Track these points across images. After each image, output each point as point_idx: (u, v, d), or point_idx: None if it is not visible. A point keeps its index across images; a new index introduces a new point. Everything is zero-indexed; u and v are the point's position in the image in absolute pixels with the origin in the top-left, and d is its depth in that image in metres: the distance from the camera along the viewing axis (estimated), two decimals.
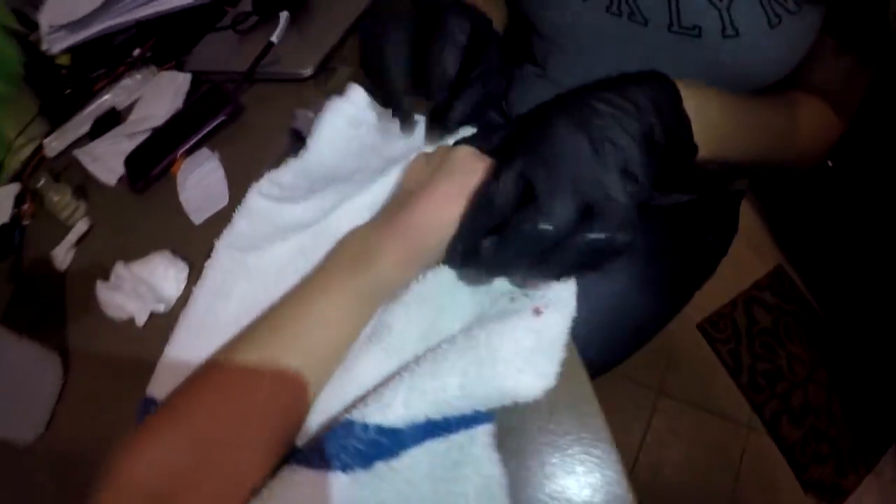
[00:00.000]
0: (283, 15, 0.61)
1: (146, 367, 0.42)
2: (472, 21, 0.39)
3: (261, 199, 0.41)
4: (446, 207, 0.35)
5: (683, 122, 0.35)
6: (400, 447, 0.31)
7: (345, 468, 0.30)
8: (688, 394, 1.31)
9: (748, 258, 1.48)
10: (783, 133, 0.48)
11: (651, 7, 0.47)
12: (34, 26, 0.82)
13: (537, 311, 0.32)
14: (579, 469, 0.32)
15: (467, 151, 0.37)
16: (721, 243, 0.72)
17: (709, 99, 0.40)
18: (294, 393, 0.33)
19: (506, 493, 0.30)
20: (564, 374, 0.31)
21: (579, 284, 0.61)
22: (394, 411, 0.31)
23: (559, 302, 0.33)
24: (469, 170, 0.36)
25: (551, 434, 0.34)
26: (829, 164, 1.19)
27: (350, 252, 0.37)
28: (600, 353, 0.61)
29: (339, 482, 0.30)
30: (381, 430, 0.30)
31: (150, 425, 0.32)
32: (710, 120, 0.38)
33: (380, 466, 0.30)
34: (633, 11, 0.48)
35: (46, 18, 0.79)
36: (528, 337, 0.31)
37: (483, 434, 0.32)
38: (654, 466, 1.22)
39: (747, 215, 1.54)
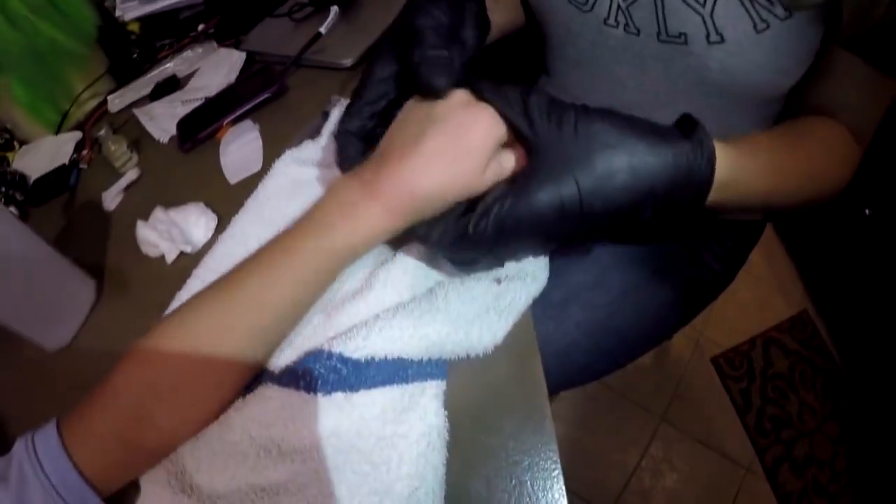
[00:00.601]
0: (334, 9, 0.67)
1: (169, 298, 0.48)
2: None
3: (283, 167, 0.47)
4: (434, 168, 0.35)
5: (701, 191, 0.36)
6: (359, 383, 0.36)
7: (308, 390, 0.35)
8: (691, 426, 1.30)
9: (775, 300, 1.47)
10: (801, 175, 0.46)
11: (642, 17, 0.49)
12: None
13: (497, 280, 0.37)
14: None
15: (461, 98, 0.37)
16: (726, 272, 0.73)
17: (733, 158, 0.38)
18: (249, 341, 0.38)
19: (443, 442, 0.35)
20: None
21: (574, 289, 0.65)
22: (355, 343, 0.36)
23: (522, 273, 0.38)
24: (461, 121, 0.36)
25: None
26: (867, 212, 1.18)
27: (327, 210, 0.38)
28: (585, 357, 0.63)
29: (303, 401, 0.35)
30: (343, 359, 0.36)
31: (140, 347, 0.37)
32: (730, 178, 0.38)
33: (338, 397, 0.35)
34: (627, 23, 0.50)
35: None
36: (484, 298, 0.36)
37: (433, 387, 0.37)
38: (645, 493, 1.22)
39: (779, 258, 1.53)
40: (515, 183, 0.34)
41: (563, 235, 0.35)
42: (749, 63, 0.46)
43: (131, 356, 0.37)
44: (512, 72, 0.74)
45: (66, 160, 0.76)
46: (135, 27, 0.91)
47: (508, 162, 0.37)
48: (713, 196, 0.36)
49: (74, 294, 0.55)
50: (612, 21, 0.51)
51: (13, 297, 0.49)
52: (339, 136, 0.42)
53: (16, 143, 0.85)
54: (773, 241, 1.57)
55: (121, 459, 0.36)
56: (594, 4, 0.51)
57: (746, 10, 0.43)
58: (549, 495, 0.34)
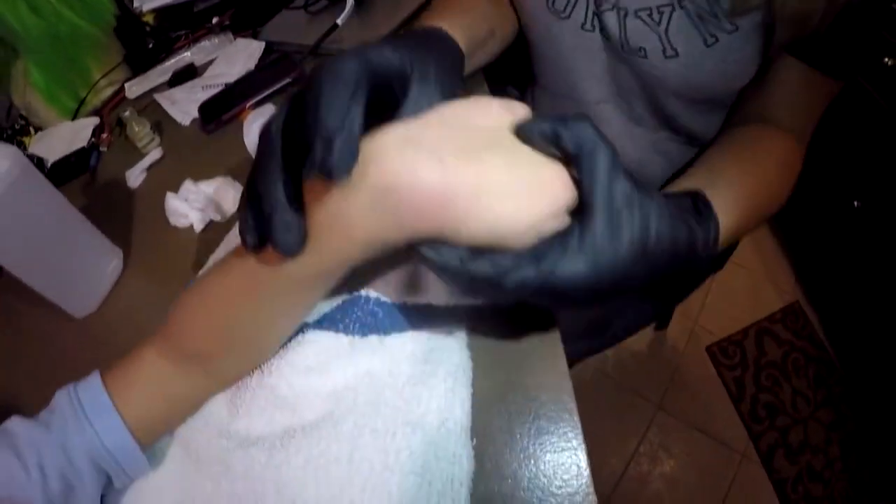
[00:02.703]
0: (350, 2, 0.73)
1: (195, 266, 0.53)
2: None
3: None
4: (496, 191, 0.31)
5: (702, 269, 0.39)
6: (392, 326, 0.41)
7: (346, 331, 0.41)
8: (687, 413, 1.36)
9: (767, 291, 1.53)
10: (771, 202, 0.50)
11: (610, 27, 0.55)
12: None
13: None
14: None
15: (541, 158, 0.33)
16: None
17: (728, 224, 0.40)
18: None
19: (468, 379, 0.40)
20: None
21: None
22: (391, 288, 0.42)
23: None
24: (542, 177, 0.32)
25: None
26: (856, 204, 1.23)
27: None
28: (585, 332, 0.70)
29: (340, 342, 0.41)
30: (380, 303, 0.41)
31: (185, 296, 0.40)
32: (725, 237, 0.40)
33: (372, 339, 0.41)
34: (603, 27, 0.56)
35: None
36: None
37: (458, 330, 0.42)
38: (642, 478, 1.28)
39: (770, 250, 1.60)
40: (567, 241, 0.31)
41: (587, 300, 0.33)
42: (702, 72, 0.52)
43: (173, 319, 0.40)
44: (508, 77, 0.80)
45: (84, 144, 0.80)
46: (150, 18, 0.95)
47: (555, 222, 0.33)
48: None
49: (103, 263, 0.59)
50: (588, 26, 0.57)
51: (46, 264, 0.53)
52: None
53: (31, 129, 0.88)
54: (765, 234, 1.64)
55: (159, 412, 0.39)
56: (571, 12, 0.57)
57: (696, 27, 0.49)
58: (564, 427, 0.39)
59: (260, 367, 0.42)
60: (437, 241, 0.31)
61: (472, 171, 0.30)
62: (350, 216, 0.31)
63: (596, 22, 0.56)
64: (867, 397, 1.33)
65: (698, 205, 0.39)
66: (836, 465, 1.26)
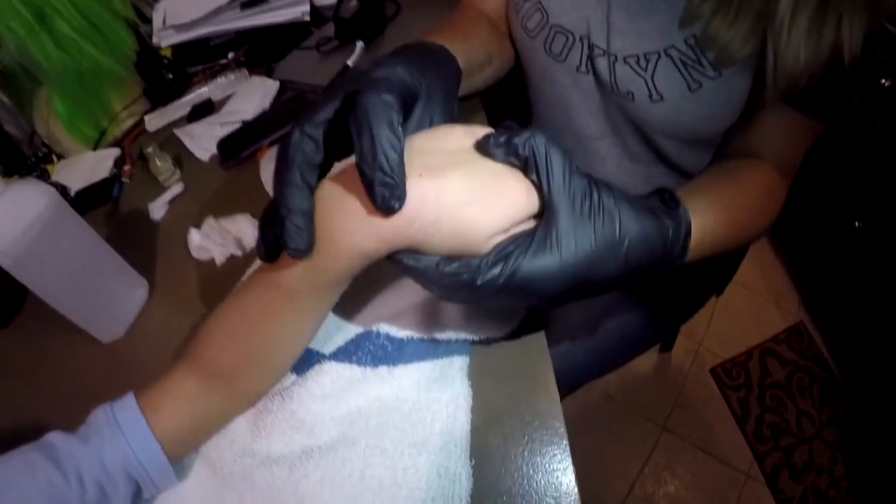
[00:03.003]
0: (359, 44, 0.78)
1: (216, 297, 0.56)
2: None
3: None
4: (451, 201, 0.34)
5: (676, 263, 0.40)
6: (399, 359, 0.46)
7: (359, 363, 0.45)
8: (692, 434, 1.38)
9: (771, 312, 1.56)
10: (751, 225, 0.52)
11: (602, 72, 0.58)
12: (146, 20, 1.00)
13: None
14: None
15: (500, 167, 0.36)
16: (707, 288, 0.83)
17: (702, 229, 0.43)
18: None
19: (468, 405, 0.44)
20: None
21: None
22: (399, 324, 0.46)
23: None
24: (500, 185, 0.35)
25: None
26: (858, 224, 1.25)
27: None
28: (585, 356, 0.74)
29: (354, 372, 0.45)
30: (389, 338, 0.46)
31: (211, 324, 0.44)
32: (699, 243, 0.42)
33: (382, 369, 0.45)
34: (595, 71, 0.60)
35: (159, 16, 0.98)
36: None
37: (459, 362, 0.47)
38: (647, 499, 1.30)
39: (774, 271, 1.63)
40: (529, 243, 0.34)
41: (560, 297, 0.36)
42: (687, 115, 0.55)
43: (199, 341, 0.44)
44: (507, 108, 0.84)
45: (106, 174, 0.83)
46: (167, 52, 1.01)
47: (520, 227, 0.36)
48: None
49: (129, 292, 0.63)
50: (583, 69, 0.61)
51: (77, 293, 0.57)
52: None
53: (54, 157, 0.92)
54: (769, 254, 1.66)
55: (189, 428, 0.43)
56: (566, 56, 0.61)
57: (681, 73, 0.53)
58: (554, 450, 0.43)
59: (281, 393, 0.46)
60: (417, 252, 0.35)
61: (434, 185, 0.34)
62: (337, 234, 0.36)
63: (590, 66, 0.60)
64: (872, 416, 1.34)
65: (665, 198, 0.41)
66: (842, 484, 1.28)
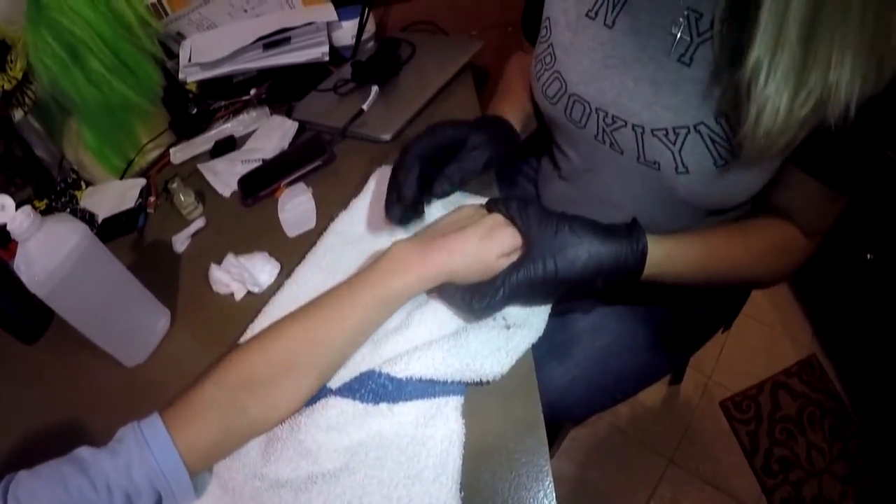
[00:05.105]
0: (374, 89, 0.85)
1: (234, 330, 0.64)
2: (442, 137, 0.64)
3: (336, 227, 0.68)
4: (469, 246, 0.54)
5: (633, 272, 0.55)
6: (399, 396, 0.52)
7: (362, 399, 0.52)
8: (699, 467, 1.41)
9: (783, 345, 1.59)
10: (735, 262, 0.60)
11: (625, 142, 0.63)
12: (172, 56, 1.08)
13: (507, 327, 0.54)
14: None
15: (499, 219, 0.57)
16: (714, 321, 0.88)
17: (667, 249, 0.56)
18: (323, 356, 0.54)
19: (461, 442, 0.50)
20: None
21: (576, 333, 0.80)
22: (399, 366, 0.53)
23: (527, 324, 0.55)
24: (495, 231, 0.55)
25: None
26: (869, 257, 1.29)
27: (381, 266, 0.55)
28: (584, 391, 0.78)
29: (356, 408, 0.52)
30: (390, 378, 0.53)
31: (237, 351, 0.53)
32: (662, 261, 0.55)
33: (383, 406, 0.52)
34: (612, 143, 0.65)
35: (185, 53, 1.06)
36: (497, 340, 0.53)
37: (454, 401, 0.53)
38: None
39: (786, 303, 1.66)
40: (517, 264, 0.53)
41: (546, 297, 0.57)
42: (710, 188, 0.60)
43: (230, 358, 0.52)
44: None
45: (132, 204, 0.90)
46: (192, 87, 1.10)
47: (515, 255, 0.56)
48: (650, 272, 0.55)
49: (152, 320, 0.69)
50: (600, 139, 0.67)
51: (104, 320, 0.62)
52: (388, 205, 0.63)
53: (82, 183, 0.99)
54: (781, 287, 1.69)
55: (213, 441, 0.49)
56: (586, 124, 0.68)
57: (709, 149, 0.56)
58: (538, 486, 0.48)
59: (290, 423, 0.53)
60: (451, 284, 0.55)
61: (448, 240, 0.55)
62: (411, 265, 0.55)
63: (606, 138, 0.65)
64: (884, 449, 1.36)
65: (629, 226, 0.55)
66: None
